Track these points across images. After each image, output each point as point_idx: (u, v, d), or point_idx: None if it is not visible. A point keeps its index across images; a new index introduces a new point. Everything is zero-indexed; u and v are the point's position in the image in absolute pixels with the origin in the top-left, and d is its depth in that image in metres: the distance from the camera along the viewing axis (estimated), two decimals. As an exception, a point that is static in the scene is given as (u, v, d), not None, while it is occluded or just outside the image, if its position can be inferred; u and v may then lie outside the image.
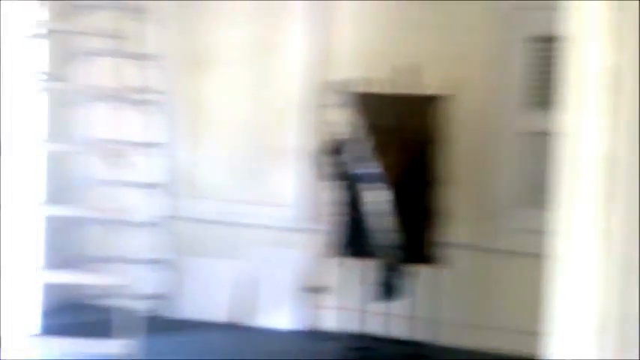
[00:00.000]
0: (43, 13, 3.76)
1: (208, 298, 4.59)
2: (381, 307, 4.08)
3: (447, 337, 4.17)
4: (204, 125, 4.67)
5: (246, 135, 4.61)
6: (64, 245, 4.41)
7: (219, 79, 4.62)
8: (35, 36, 3.75)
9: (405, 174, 4.00)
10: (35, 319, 4.00)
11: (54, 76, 3.88)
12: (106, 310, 4.20)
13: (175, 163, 4.63)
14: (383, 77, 4.04)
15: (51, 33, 3.74)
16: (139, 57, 3.76)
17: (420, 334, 4.14)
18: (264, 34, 4.54)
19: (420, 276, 4.02)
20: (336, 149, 4.02)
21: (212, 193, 4.65)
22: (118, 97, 3.90)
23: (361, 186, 3.94)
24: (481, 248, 4.19)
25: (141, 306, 3.62)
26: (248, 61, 4.57)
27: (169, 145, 4.54)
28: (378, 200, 3.89)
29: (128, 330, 3.40)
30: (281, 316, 4.50)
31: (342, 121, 4.05)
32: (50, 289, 4.20)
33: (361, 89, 4.03)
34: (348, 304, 4.28)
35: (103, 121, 4.38)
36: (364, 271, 4.11)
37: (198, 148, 4.69)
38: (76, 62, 3.72)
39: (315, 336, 4.39)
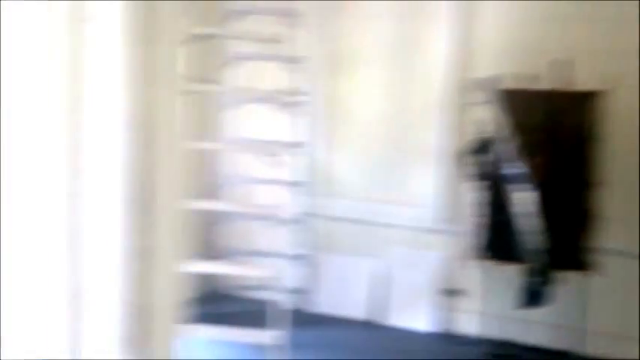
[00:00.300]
0: (197, 18, 3.98)
1: (344, 294, 4.65)
2: (522, 313, 3.94)
3: (594, 347, 3.96)
4: (343, 125, 4.73)
5: (384, 134, 4.62)
6: (212, 239, 4.64)
7: (359, 79, 4.67)
8: (190, 40, 3.97)
9: (554, 174, 3.84)
10: (185, 308, 4.23)
11: (207, 79, 4.09)
12: (249, 302, 4.38)
13: (314, 162, 4.74)
14: (531, 73, 3.91)
15: (205, 37, 3.94)
16: (288, 60, 3.88)
17: (564, 343, 3.96)
18: (405, 33, 4.52)
19: (567, 282, 3.85)
20: (480, 148, 3.93)
21: (349, 191, 4.70)
22: (267, 98, 4.04)
23: (506, 187, 3.83)
24: (635, 255, 3.94)
25: (283, 299, 3.73)
26: (388, 61, 4.58)
27: (310, 144, 4.65)
28: (524, 202, 3.76)
29: (275, 321, 3.52)
30: (417, 317, 4.47)
31: (487, 120, 3.96)
32: (196, 279, 4.43)
33: (508, 86, 3.92)
34: (487, 308, 4.18)
35: (253, 122, 4.58)
36: (506, 275, 3.99)
37: (337, 147, 4.76)
38: (228, 65, 3.90)
39: (451, 339, 4.32)
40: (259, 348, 3.60)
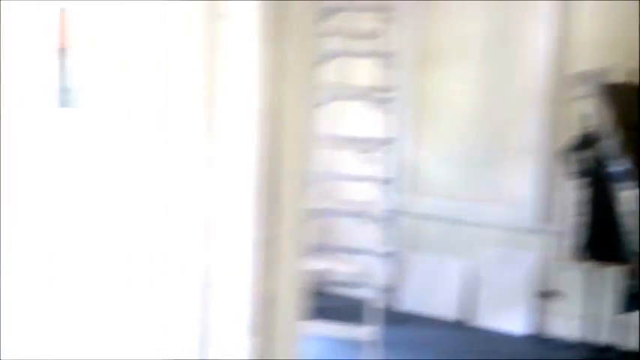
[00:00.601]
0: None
1: (433, 293, 4.61)
2: (620, 316, 3.79)
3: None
4: (435, 121, 4.69)
5: (477, 131, 4.55)
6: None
7: (452, 74, 4.61)
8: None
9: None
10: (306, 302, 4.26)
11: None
12: (337, 298, 4.39)
13: (402, 159, 4.71)
14: (635, 67, 3.75)
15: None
16: (380, 55, 3.87)
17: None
18: (499, 27, 4.44)
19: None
20: (581, 145, 3.81)
21: (439, 189, 4.65)
22: (359, 95, 4.05)
23: (608, 184, 3.69)
24: None
25: (375, 296, 3.72)
26: (482, 56, 4.50)
27: (400, 140, 4.62)
28: (627, 200, 3.61)
29: (368, 318, 3.51)
30: (509, 319, 4.37)
31: (589, 115, 3.83)
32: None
33: (611, 80, 3.77)
34: (584, 311, 4.04)
35: (344, 118, 4.60)
36: (605, 276, 3.85)
37: (427, 143, 4.72)
38: (322, 62, 3.92)
39: (545, 343, 4.21)
40: (352, 344, 3.61)
